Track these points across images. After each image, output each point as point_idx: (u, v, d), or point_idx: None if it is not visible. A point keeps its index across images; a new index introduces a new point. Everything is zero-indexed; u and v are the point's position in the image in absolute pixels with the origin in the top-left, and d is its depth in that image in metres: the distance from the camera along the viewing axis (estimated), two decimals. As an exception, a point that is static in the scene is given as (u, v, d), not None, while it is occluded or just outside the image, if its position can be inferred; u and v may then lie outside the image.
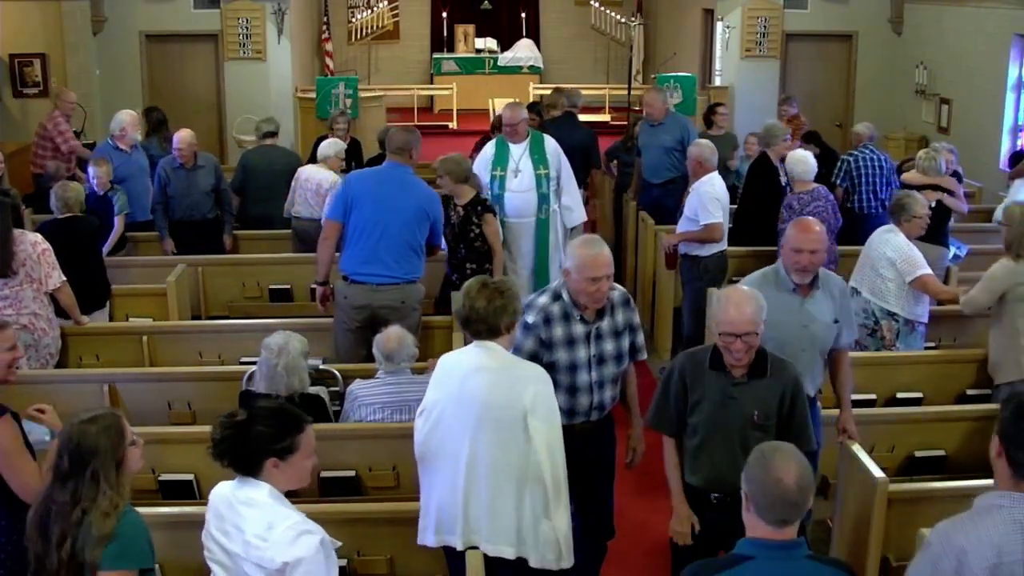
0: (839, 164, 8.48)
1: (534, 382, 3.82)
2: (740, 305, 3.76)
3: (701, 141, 7.53)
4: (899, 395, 5.66)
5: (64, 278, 5.97)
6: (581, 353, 4.16)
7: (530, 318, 4.13)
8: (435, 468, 3.89)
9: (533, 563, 3.85)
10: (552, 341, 4.14)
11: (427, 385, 4.39)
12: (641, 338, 4.41)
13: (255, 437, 3.04)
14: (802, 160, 7.31)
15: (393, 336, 4.96)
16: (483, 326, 3.83)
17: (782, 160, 7.63)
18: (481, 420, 3.76)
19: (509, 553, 3.83)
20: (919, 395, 5.67)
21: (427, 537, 3.92)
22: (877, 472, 4.30)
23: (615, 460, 4.51)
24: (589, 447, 4.27)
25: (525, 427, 3.75)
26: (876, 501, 4.21)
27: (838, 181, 8.34)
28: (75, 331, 6.37)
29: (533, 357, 4.09)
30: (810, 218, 4.74)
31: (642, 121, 8.90)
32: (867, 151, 8.35)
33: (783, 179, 7.53)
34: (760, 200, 7.59)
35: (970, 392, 5.76)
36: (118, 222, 7.75)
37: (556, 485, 3.80)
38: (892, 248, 5.97)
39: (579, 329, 4.16)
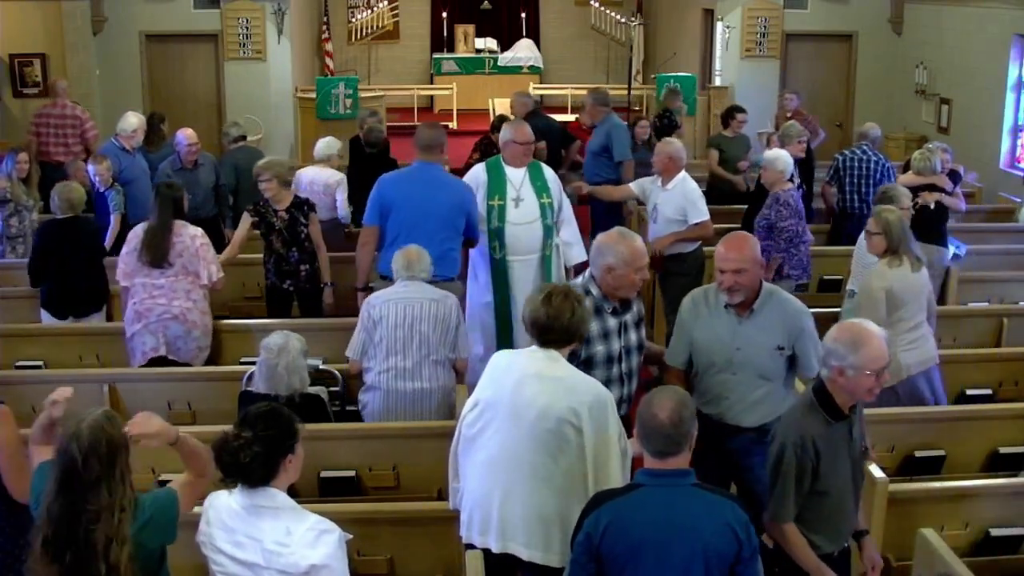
0: (832, 162, 8.51)
1: (593, 397, 3.70)
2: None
3: (671, 140, 7.55)
4: (899, 395, 5.66)
5: (222, 274, 6.08)
6: (615, 345, 4.24)
7: None
8: (477, 465, 3.83)
9: (556, 564, 3.78)
10: (589, 336, 4.10)
11: (439, 292, 4.99)
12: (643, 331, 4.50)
13: (272, 444, 3.03)
14: (774, 160, 7.16)
15: (413, 250, 5.22)
16: (563, 335, 3.76)
17: (797, 161, 7.66)
18: (533, 427, 3.69)
19: (555, 561, 3.73)
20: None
21: (464, 531, 3.90)
22: (878, 473, 4.30)
23: None
24: None
25: (580, 440, 3.67)
26: (876, 502, 4.22)
27: (828, 179, 8.39)
28: (75, 331, 6.38)
29: (571, 354, 3.92)
30: (741, 234, 4.45)
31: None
32: (859, 151, 8.34)
33: (796, 180, 7.51)
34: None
35: (970, 392, 5.77)
36: (114, 220, 7.75)
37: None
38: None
39: (612, 322, 4.24)
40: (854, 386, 3.50)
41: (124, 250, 6.04)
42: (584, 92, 17.07)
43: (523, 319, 3.89)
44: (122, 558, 2.90)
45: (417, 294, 5.09)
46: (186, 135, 8.11)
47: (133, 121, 8.48)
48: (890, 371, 4.95)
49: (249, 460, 3.00)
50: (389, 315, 5.03)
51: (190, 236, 5.95)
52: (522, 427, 3.70)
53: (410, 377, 5.04)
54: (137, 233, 6.01)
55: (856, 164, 8.26)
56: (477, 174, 6.22)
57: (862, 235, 6.06)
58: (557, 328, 3.74)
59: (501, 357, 3.96)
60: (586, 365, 4.05)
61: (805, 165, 8.36)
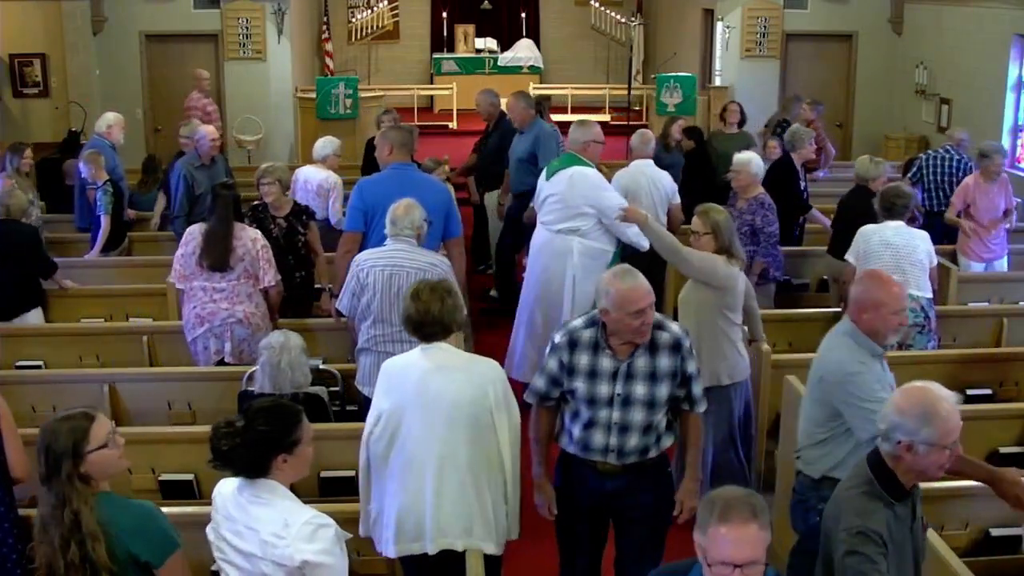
0: (915, 162, 8.58)
1: (494, 378, 3.84)
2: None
3: (645, 132, 7.58)
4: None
5: (279, 277, 5.97)
6: (602, 389, 3.82)
7: (557, 337, 3.92)
8: (394, 475, 3.85)
9: (496, 551, 3.88)
10: (574, 368, 3.86)
11: (428, 259, 4.89)
12: (698, 389, 3.95)
13: (261, 438, 3.04)
14: (747, 163, 7.09)
15: (401, 205, 5.14)
16: (439, 327, 3.86)
17: (803, 165, 7.70)
18: (451, 419, 3.77)
19: (491, 548, 3.85)
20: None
21: (388, 548, 3.90)
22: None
23: (656, 524, 4.03)
24: (612, 495, 3.94)
25: (492, 421, 3.80)
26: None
27: (910, 178, 8.49)
28: (75, 331, 6.39)
29: (554, 381, 3.89)
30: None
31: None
32: (943, 151, 8.51)
33: (803, 183, 7.52)
34: (777, 203, 7.42)
35: (970, 392, 5.76)
36: (104, 222, 7.75)
37: (515, 473, 3.88)
38: (919, 237, 6.14)
39: (605, 363, 3.82)
40: (925, 464, 3.00)
41: (179, 252, 5.88)
42: (584, 92, 17.28)
43: (401, 321, 4.03)
44: (76, 560, 2.91)
45: (405, 261, 5.02)
46: (208, 131, 8.05)
47: (109, 117, 8.76)
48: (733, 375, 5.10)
49: (227, 450, 3.03)
50: (376, 282, 5.02)
51: (251, 239, 5.84)
52: (436, 421, 3.77)
53: (399, 340, 4.97)
54: (194, 235, 5.85)
55: (939, 164, 8.42)
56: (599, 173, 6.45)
57: (891, 231, 6.09)
58: (430, 321, 3.84)
59: (392, 364, 3.97)
60: (570, 395, 3.90)
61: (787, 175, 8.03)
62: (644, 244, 6.24)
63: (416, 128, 9.32)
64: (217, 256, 5.73)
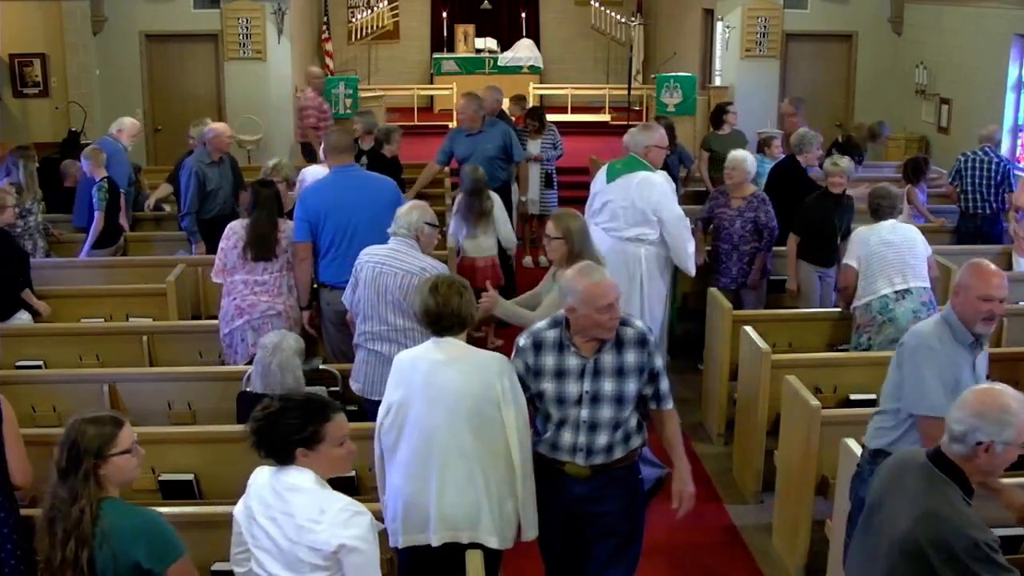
0: (954, 163, 8.70)
1: (500, 371, 3.84)
2: None
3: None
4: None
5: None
6: (571, 388, 3.83)
7: (522, 340, 3.94)
8: (400, 466, 3.88)
9: (504, 544, 3.88)
10: (541, 370, 3.86)
11: (421, 264, 4.85)
12: (664, 385, 3.97)
13: (283, 428, 3.09)
14: (742, 161, 7.15)
15: (405, 206, 5.22)
16: (456, 320, 3.86)
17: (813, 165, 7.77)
18: (456, 412, 3.78)
19: (493, 542, 3.85)
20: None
21: (396, 539, 3.93)
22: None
23: (627, 532, 4.00)
24: (580, 500, 3.92)
25: (499, 414, 3.79)
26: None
27: (951, 182, 8.51)
28: (75, 331, 6.38)
29: (520, 382, 3.87)
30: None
31: (455, 131, 8.81)
32: (980, 152, 8.52)
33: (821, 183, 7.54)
34: (783, 203, 7.43)
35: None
36: (98, 218, 7.76)
37: (524, 466, 3.86)
38: (914, 231, 6.24)
39: (572, 362, 3.82)
40: (999, 463, 3.04)
41: (220, 246, 5.97)
42: (584, 92, 17.28)
43: (414, 312, 4.02)
44: (82, 558, 2.95)
45: (395, 261, 5.02)
46: (220, 128, 8.08)
47: (123, 121, 8.97)
48: None
49: (253, 431, 3.12)
50: (366, 278, 5.06)
51: (292, 231, 5.92)
52: (441, 414, 3.78)
53: (382, 340, 5.05)
54: (236, 230, 5.93)
55: (977, 166, 8.46)
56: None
57: (899, 231, 6.13)
58: (448, 314, 3.83)
59: (403, 358, 3.98)
60: (538, 399, 3.91)
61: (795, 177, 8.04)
62: (692, 268, 6.45)
63: (399, 128, 9.41)
64: (262, 247, 5.84)
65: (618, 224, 6.40)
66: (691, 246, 6.47)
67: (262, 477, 3.20)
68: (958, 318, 3.96)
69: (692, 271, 6.61)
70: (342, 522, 3.03)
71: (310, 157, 10.31)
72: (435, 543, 3.86)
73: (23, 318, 6.57)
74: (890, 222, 6.18)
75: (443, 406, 3.79)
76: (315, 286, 5.99)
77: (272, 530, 3.11)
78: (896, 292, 5.96)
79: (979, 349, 4.03)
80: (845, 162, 7.10)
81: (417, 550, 3.92)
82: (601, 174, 6.65)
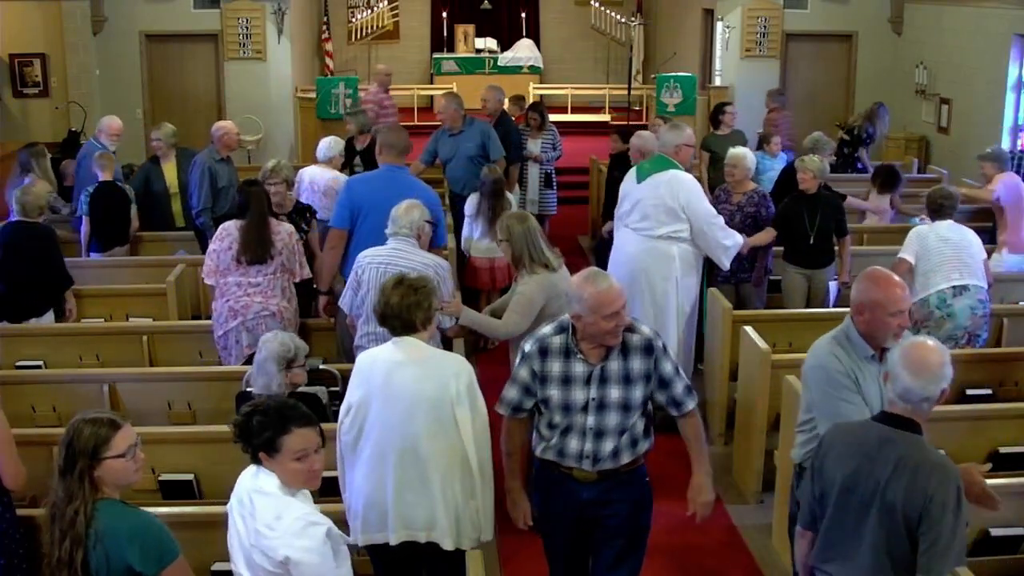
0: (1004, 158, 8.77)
1: (457, 373, 3.84)
2: None
3: (643, 133, 7.55)
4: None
5: (311, 274, 6.06)
6: (578, 395, 3.78)
7: (527, 346, 3.88)
8: (361, 465, 3.90)
9: (461, 546, 3.88)
10: (547, 376, 3.81)
11: (424, 261, 4.83)
12: (679, 388, 3.86)
13: (247, 429, 3.12)
14: (742, 158, 7.16)
15: (404, 204, 5.20)
16: (397, 322, 3.88)
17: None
18: (411, 413, 3.79)
19: (448, 544, 3.86)
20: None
21: (355, 536, 3.93)
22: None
23: (633, 535, 3.97)
24: (589, 504, 3.89)
25: (453, 417, 3.80)
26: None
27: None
28: (75, 331, 6.38)
29: (526, 390, 3.86)
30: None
31: (440, 131, 8.82)
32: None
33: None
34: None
35: (970, 392, 5.77)
36: (85, 222, 7.78)
37: (482, 469, 3.87)
38: (970, 232, 6.27)
39: (579, 368, 3.77)
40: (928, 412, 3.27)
41: (212, 248, 5.88)
42: (584, 92, 17.27)
43: (374, 312, 4.04)
44: (76, 558, 2.95)
45: (400, 260, 5.02)
46: (228, 126, 8.07)
47: (102, 120, 8.84)
48: None
49: (233, 426, 3.17)
50: (370, 279, 5.06)
51: (287, 232, 5.89)
52: (399, 415, 3.80)
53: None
54: (229, 231, 5.84)
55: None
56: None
57: (945, 228, 6.17)
58: (390, 315, 3.87)
59: (364, 357, 4.00)
60: (544, 404, 3.86)
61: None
62: (727, 262, 6.46)
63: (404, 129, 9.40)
64: (256, 249, 5.77)
65: (649, 223, 6.40)
66: (728, 240, 6.45)
67: (243, 476, 3.23)
68: (861, 335, 3.77)
69: (727, 265, 6.60)
70: (294, 532, 3.01)
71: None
72: (393, 542, 3.88)
73: (47, 319, 6.58)
74: (948, 222, 6.27)
75: (400, 407, 3.80)
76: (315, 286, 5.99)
77: (240, 528, 3.14)
78: (954, 288, 6.03)
79: (883, 363, 3.69)
80: (814, 161, 7.10)
81: (378, 548, 3.95)
82: (631, 175, 6.66)
